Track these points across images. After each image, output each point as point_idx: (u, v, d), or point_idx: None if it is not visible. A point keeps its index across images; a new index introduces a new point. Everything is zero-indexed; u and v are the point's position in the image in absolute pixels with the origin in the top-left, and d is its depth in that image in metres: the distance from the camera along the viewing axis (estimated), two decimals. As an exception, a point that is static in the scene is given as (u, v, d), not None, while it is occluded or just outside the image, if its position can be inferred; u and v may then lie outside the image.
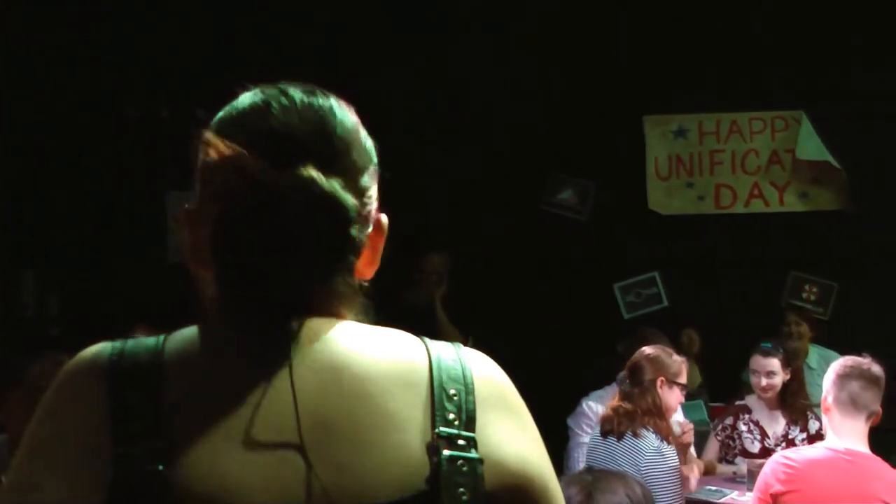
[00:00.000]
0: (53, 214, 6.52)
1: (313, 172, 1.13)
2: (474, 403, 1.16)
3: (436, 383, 1.15)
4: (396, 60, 6.68)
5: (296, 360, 1.14)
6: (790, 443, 5.13)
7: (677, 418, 5.14)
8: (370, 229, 1.25)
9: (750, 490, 4.44)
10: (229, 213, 1.13)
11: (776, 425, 5.29)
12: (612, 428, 4.32)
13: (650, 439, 4.24)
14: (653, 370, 4.40)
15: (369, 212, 1.24)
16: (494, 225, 6.58)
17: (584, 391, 5.47)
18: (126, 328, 5.01)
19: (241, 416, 1.12)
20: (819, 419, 4.64)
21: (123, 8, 6.67)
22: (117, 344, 1.19)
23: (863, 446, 3.86)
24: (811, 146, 6.57)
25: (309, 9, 6.73)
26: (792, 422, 5.26)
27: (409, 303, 6.25)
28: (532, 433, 1.23)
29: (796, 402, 5.24)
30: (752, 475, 4.47)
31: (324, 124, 1.21)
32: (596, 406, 5.33)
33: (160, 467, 1.09)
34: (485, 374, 1.22)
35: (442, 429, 1.12)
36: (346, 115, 1.24)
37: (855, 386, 3.87)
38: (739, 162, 6.80)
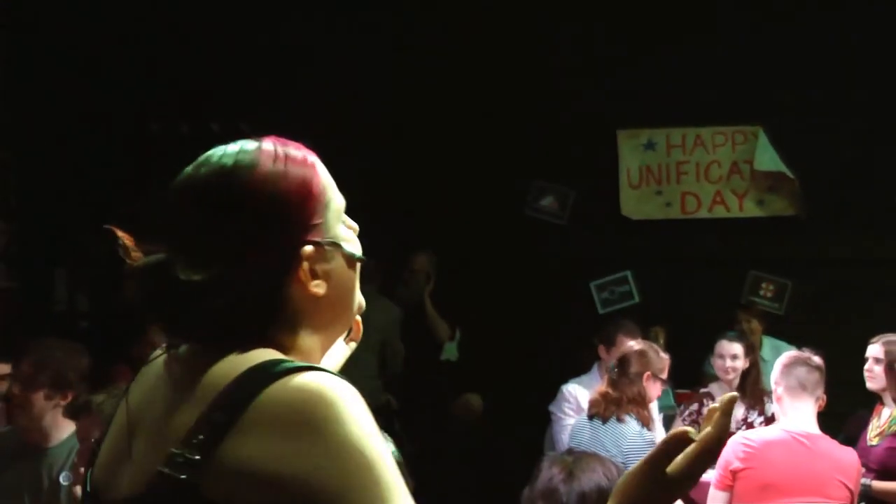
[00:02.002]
0: (84, 218, 6.49)
1: (152, 258, 1.23)
2: (230, 426, 1.11)
3: (210, 406, 1.13)
4: (392, 67, 6.69)
5: (165, 376, 1.25)
6: (749, 426, 5.15)
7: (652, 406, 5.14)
8: (283, 264, 1.25)
9: (712, 467, 4.45)
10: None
11: (737, 410, 5.30)
12: (599, 411, 4.33)
13: (632, 425, 4.26)
14: (640, 364, 4.39)
15: (254, 260, 1.22)
16: (483, 228, 6.59)
17: (563, 379, 5.46)
18: (144, 324, 5.01)
19: (118, 420, 1.29)
20: (775, 402, 4.66)
21: (147, 27, 6.66)
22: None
23: (814, 427, 3.88)
24: (767, 158, 6.57)
25: (310, 23, 6.72)
26: (750, 407, 5.27)
27: (401, 299, 6.25)
28: (325, 456, 1.10)
29: (755, 390, 5.26)
30: (715, 454, 4.48)
31: (187, 204, 1.25)
32: (575, 390, 5.31)
33: (95, 456, 1.31)
34: (279, 399, 1.12)
35: (172, 449, 1.12)
36: (226, 185, 1.24)
37: (801, 371, 3.91)
38: (703, 172, 6.79)
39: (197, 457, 1.09)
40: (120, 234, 1.27)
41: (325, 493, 1.08)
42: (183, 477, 1.09)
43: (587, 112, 6.61)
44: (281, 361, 1.16)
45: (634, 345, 4.59)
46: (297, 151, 1.30)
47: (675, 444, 1.23)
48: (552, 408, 5.37)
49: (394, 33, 6.69)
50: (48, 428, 3.55)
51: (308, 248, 1.24)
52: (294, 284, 1.24)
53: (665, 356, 4.57)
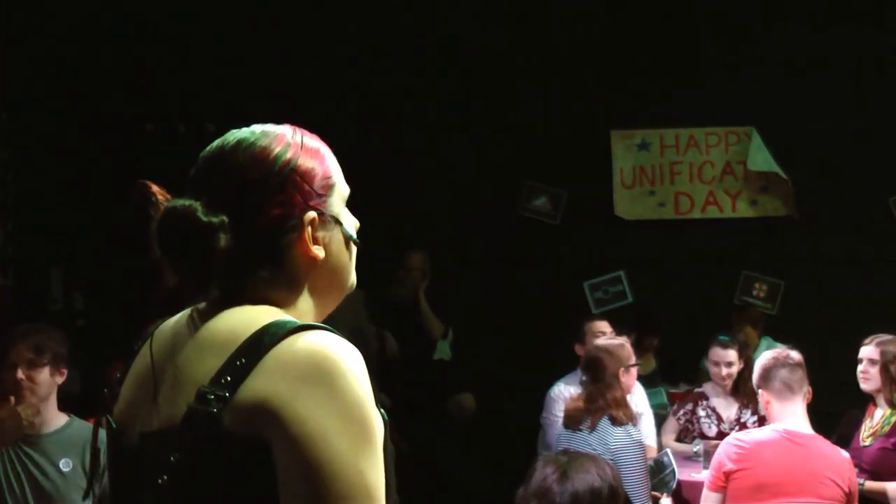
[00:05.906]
0: (80, 218, 6.48)
1: (178, 200, 1.37)
2: (250, 370, 1.26)
3: (235, 353, 1.29)
4: (386, 68, 6.68)
5: (185, 332, 1.39)
6: (742, 425, 5.14)
7: (642, 403, 5.12)
8: (289, 224, 1.39)
9: (706, 468, 4.44)
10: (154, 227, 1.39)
11: (730, 410, 5.30)
12: (582, 422, 4.19)
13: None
14: (612, 363, 4.28)
15: (265, 216, 1.38)
16: (478, 228, 6.58)
17: (556, 378, 5.43)
18: (142, 321, 4.99)
19: (138, 370, 1.44)
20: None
21: (144, 28, 6.65)
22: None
23: (806, 426, 3.87)
24: (761, 158, 6.57)
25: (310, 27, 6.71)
26: (743, 406, 5.27)
27: (395, 297, 6.24)
28: (325, 403, 1.25)
29: (748, 388, 5.25)
30: (708, 455, 4.48)
31: (212, 165, 1.41)
32: (562, 391, 5.21)
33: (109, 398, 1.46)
34: (294, 350, 1.28)
35: (202, 387, 1.27)
36: (246, 152, 1.40)
37: (783, 372, 3.90)
38: (696, 172, 6.79)
39: (226, 394, 1.25)
40: (153, 187, 1.43)
41: (318, 433, 1.23)
42: (214, 411, 1.24)
43: (581, 112, 6.61)
44: (294, 321, 1.33)
45: (598, 344, 4.46)
46: (312, 136, 1.48)
47: None
48: (543, 414, 5.29)
49: (389, 34, 6.69)
50: (47, 414, 3.62)
51: (312, 214, 1.40)
52: (297, 244, 1.40)
53: (627, 345, 4.48)
